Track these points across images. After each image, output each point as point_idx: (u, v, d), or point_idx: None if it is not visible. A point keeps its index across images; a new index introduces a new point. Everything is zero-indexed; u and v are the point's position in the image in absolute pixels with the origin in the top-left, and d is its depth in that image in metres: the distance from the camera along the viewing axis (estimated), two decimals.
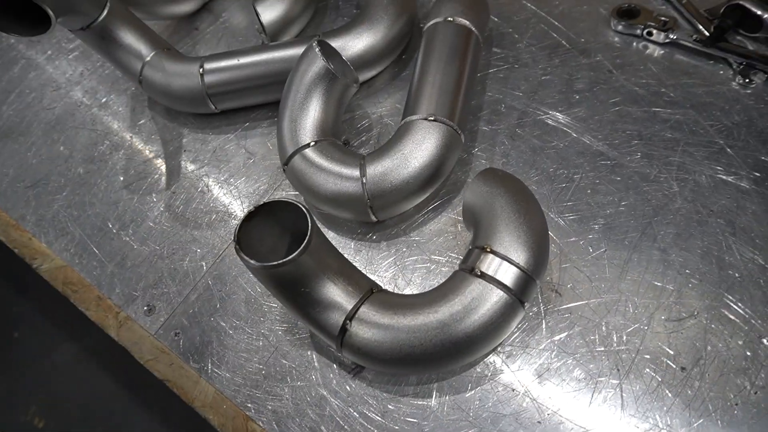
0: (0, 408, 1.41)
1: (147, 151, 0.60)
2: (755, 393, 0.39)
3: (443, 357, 0.40)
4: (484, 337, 0.39)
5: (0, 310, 1.57)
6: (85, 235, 0.56)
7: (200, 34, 0.68)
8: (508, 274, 0.39)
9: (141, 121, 0.63)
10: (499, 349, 0.43)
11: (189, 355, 0.47)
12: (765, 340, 0.40)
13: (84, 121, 0.64)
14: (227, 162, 0.58)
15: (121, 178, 0.59)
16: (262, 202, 0.39)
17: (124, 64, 0.59)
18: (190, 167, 0.58)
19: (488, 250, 0.40)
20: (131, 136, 0.62)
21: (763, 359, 0.40)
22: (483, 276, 0.39)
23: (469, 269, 0.40)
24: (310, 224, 0.37)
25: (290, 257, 0.36)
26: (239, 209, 0.54)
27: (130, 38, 0.58)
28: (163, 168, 0.59)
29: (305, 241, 0.37)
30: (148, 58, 0.58)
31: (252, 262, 0.36)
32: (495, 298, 0.39)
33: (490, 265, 0.40)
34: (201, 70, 0.56)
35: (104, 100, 0.65)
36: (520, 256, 0.39)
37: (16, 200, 0.60)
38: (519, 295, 0.39)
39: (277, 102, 0.52)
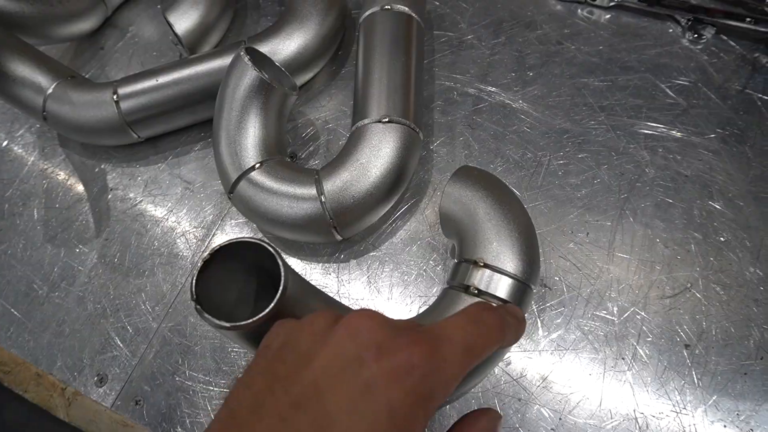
0: None
1: (67, 196, 0.53)
2: (761, 358, 0.38)
3: None
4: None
5: None
6: (8, 304, 0.48)
7: (107, 53, 0.60)
8: (503, 287, 0.36)
9: (53, 163, 0.55)
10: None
11: (156, 425, 0.42)
12: (761, 303, 0.39)
13: None
14: (163, 195, 0.51)
15: (42, 232, 0.51)
16: (216, 246, 0.33)
17: (22, 100, 0.51)
18: (121, 207, 0.51)
19: (481, 264, 0.36)
20: (45, 182, 0.54)
21: (762, 322, 0.39)
22: (479, 293, 0.36)
23: (462, 287, 0.37)
24: (282, 271, 0.32)
25: (264, 312, 0.31)
26: (185, 247, 0.48)
27: (24, 70, 0.50)
28: (89, 213, 0.52)
29: (280, 290, 0.31)
30: (50, 90, 0.50)
31: (221, 323, 0.31)
32: None
33: (482, 279, 0.36)
34: (115, 96, 0.49)
35: (5, 144, 0.57)
36: (512, 264, 0.36)
37: None
38: (518, 305, 0.36)
39: (207, 121, 0.47)
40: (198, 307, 0.31)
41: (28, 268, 0.50)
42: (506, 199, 0.38)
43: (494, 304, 0.35)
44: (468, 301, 0.36)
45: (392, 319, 0.27)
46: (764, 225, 0.42)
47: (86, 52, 0.61)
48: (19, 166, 0.55)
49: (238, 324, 0.30)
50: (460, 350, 0.26)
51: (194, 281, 0.32)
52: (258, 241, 0.32)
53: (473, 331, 0.27)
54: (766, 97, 0.47)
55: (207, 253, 0.33)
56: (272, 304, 0.30)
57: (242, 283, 0.36)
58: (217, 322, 0.30)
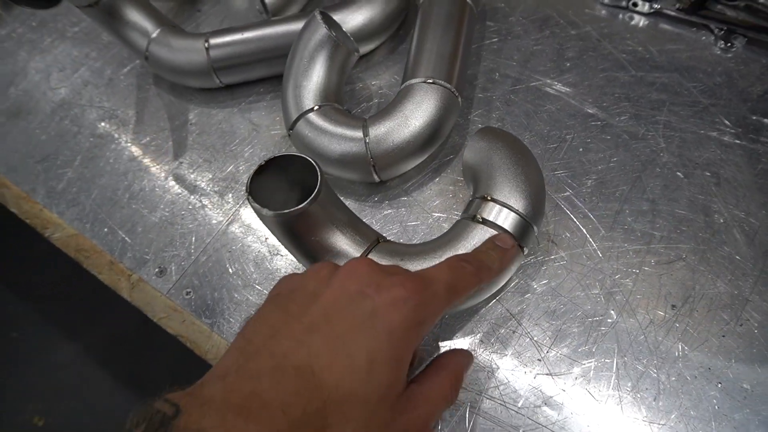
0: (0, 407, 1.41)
1: (154, 126, 0.62)
2: (740, 325, 0.41)
3: None
4: None
5: (0, 311, 1.57)
6: (95, 205, 0.58)
7: (203, 15, 0.70)
8: (508, 220, 0.41)
9: (147, 98, 0.65)
10: (499, 295, 0.45)
11: (201, 312, 0.49)
12: (748, 278, 0.43)
13: (91, 99, 0.66)
14: (233, 134, 0.60)
15: (129, 151, 0.61)
16: (271, 156, 0.41)
17: (130, 40, 0.61)
18: (197, 139, 0.60)
19: (489, 198, 0.42)
20: (137, 112, 0.64)
21: (748, 295, 0.42)
22: (485, 222, 0.42)
23: (470, 217, 0.43)
24: (319, 175, 0.39)
25: (301, 206, 0.38)
26: (246, 176, 0.56)
27: (136, 15, 0.60)
28: (170, 141, 0.61)
29: (315, 191, 0.38)
30: (154, 35, 0.60)
31: (264, 210, 0.38)
32: None
33: (491, 212, 0.42)
34: (206, 44, 0.58)
35: (110, 78, 0.67)
36: (519, 203, 0.42)
37: (27, 175, 0.61)
38: (518, 239, 0.42)
39: (280, 76, 0.54)
40: (249, 197, 0.38)
41: (115, 178, 0.59)
42: (520, 151, 0.44)
43: (495, 232, 0.40)
44: (473, 228, 0.41)
45: (384, 265, 0.33)
46: (761, 213, 0.45)
47: (185, 12, 0.71)
48: (120, 97, 0.65)
49: (278, 212, 0.37)
50: (444, 288, 0.32)
51: (250, 179, 0.39)
52: (303, 156, 0.40)
53: (453, 275, 0.34)
54: None
55: (263, 160, 0.40)
56: (306, 202, 0.37)
57: (287, 193, 0.43)
58: (262, 209, 0.38)
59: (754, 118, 0.50)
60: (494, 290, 0.43)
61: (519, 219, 0.41)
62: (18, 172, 0.62)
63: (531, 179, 0.43)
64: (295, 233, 0.42)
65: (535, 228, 0.43)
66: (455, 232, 0.42)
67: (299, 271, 0.49)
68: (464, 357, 0.37)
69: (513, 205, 0.42)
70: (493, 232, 0.41)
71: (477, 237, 0.41)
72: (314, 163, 0.40)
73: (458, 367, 0.35)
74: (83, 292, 1.50)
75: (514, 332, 0.44)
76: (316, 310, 0.29)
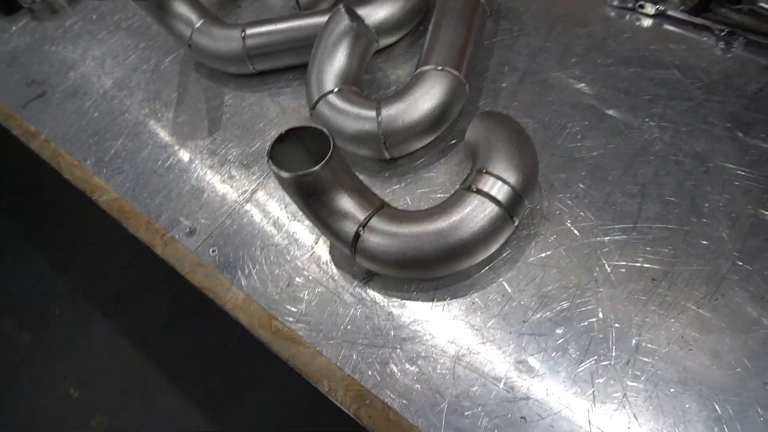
0: (39, 379, 1.51)
1: (192, 107, 0.69)
2: (716, 300, 0.44)
3: (441, 261, 0.46)
4: (476, 244, 0.45)
5: (43, 289, 1.68)
6: (137, 173, 0.64)
7: (242, 10, 0.77)
8: (501, 192, 0.46)
9: (187, 82, 0.71)
10: (493, 263, 0.49)
11: (223, 267, 0.55)
12: (727, 258, 0.46)
13: (139, 82, 0.73)
14: (262, 115, 0.66)
15: (171, 127, 0.67)
16: (291, 127, 0.47)
17: (176, 30, 0.68)
18: (230, 119, 0.66)
19: (484, 171, 0.47)
20: (179, 95, 0.70)
21: (725, 273, 0.45)
22: (479, 192, 0.46)
23: (467, 188, 0.47)
24: (332, 143, 0.44)
25: (314, 168, 0.43)
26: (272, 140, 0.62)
27: (182, 7, 0.67)
28: (206, 120, 0.67)
29: (328, 156, 0.44)
30: (198, 25, 0.67)
31: (281, 172, 0.44)
32: (488, 210, 0.45)
33: (486, 183, 0.46)
34: (243, 34, 0.65)
35: (156, 65, 0.75)
36: (512, 177, 0.46)
37: (80, 146, 0.69)
38: (510, 210, 0.46)
39: (306, 65, 0.60)
40: (269, 160, 0.44)
41: (156, 151, 0.66)
42: (516, 132, 0.48)
43: (490, 204, 0.45)
44: (468, 197, 0.45)
45: None
46: (746, 200, 0.48)
47: (228, 7, 0.78)
48: (164, 81, 0.72)
49: (294, 174, 0.43)
50: None
51: (271, 146, 0.45)
52: (318, 127, 0.45)
53: None
54: None
55: (284, 129, 0.46)
56: (318, 166, 0.43)
57: (303, 160, 0.49)
58: (280, 171, 0.43)
59: (747, 113, 0.53)
60: (486, 254, 0.47)
61: (511, 191, 0.45)
62: (72, 143, 0.69)
63: (524, 157, 0.47)
64: (308, 194, 0.47)
65: (527, 201, 0.46)
66: (451, 201, 0.47)
67: (313, 234, 0.54)
68: None
69: (507, 179, 0.46)
70: (485, 201, 0.45)
71: (470, 205, 0.45)
72: (326, 133, 0.45)
73: None
74: (121, 271, 1.60)
75: (503, 296, 0.47)
76: None
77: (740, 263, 0.45)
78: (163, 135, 0.67)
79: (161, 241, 0.59)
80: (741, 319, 0.43)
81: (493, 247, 0.47)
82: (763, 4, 0.56)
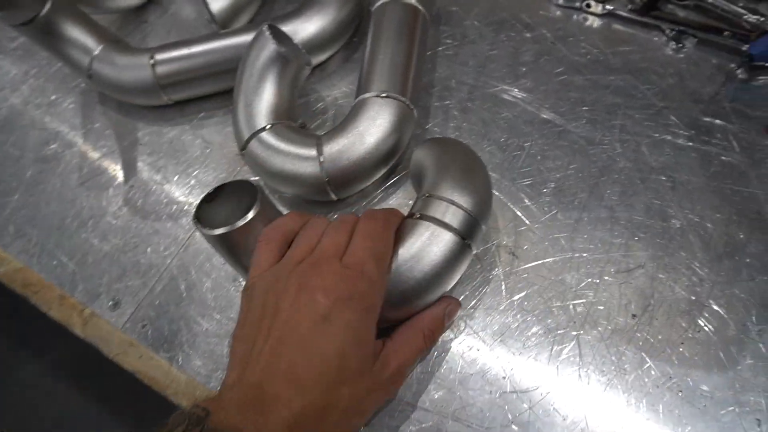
0: None
1: (101, 147, 0.59)
2: (698, 332, 0.42)
3: (398, 303, 0.40)
4: (436, 278, 0.40)
5: None
6: (42, 235, 0.55)
7: (150, 26, 0.67)
8: (455, 217, 0.40)
9: (93, 118, 0.62)
10: (461, 313, 0.45)
11: (158, 346, 0.47)
12: (705, 283, 0.43)
13: (33, 120, 0.63)
14: (184, 152, 0.57)
15: (76, 176, 0.58)
16: (219, 185, 0.41)
17: (71, 59, 0.58)
18: (147, 160, 0.58)
19: (426, 195, 0.42)
20: (84, 133, 0.61)
21: (704, 299, 0.43)
22: (431, 219, 0.40)
23: (410, 215, 0.42)
24: (258, 194, 0.39)
25: (236, 224, 0.39)
26: (199, 198, 0.54)
27: (76, 32, 0.57)
28: (119, 162, 0.58)
29: (252, 210, 0.39)
30: (97, 52, 0.57)
31: (205, 230, 0.38)
32: (444, 237, 0.40)
33: (437, 209, 0.41)
34: (152, 61, 0.56)
35: (53, 98, 0.64)
36: (464, 200, 0.41)
37: None
38: (466, 236, 0.40)
39: (230, 91, 0.52)
40: (195, 220, 0.39)
41: (62, 206, 0.56)
42: (465, 153, 0.45)
43: (444, 232, 0.40)
44: (419, 225, 0.40)
45: (326, 263, 0.36)
46: (716, 216, 0.46)
47: (131, 24, 0.68)
48: (64, 118, 0.62)
49: (217, 231, 0.38)
50: (373, 262, 0.36)
51: (197, 206, 0.39)
52: (245, 179, 0.41)
53: (371, 243, 0.37)
54: (733, 105, 0.51)
55: (212, 188, 0.40)
56: (241, 219, 0.38)
57: (241, 216, 0.42)
58: (204, 229, 0.38)
59: (706, 119, 0.50)
60: (446, 288, 0.41)
61: (465, 215, 0.40)
62: None
63: (476, 178, 0.43)
64: (236, 251, 0.41)
65: (483, 225, 0.42)
66: (400, 233, 0.41)
67: None
68: (442, 308, 0.41)
69: (459, 202, 0.41)
70: (439, 229, 0.40)
71: (423, 235, 0.40)
72: (252, 185, 0.40)
73: (429, 321, 0.40)
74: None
75: (478, 350, 0.43)
76: (279, 324, 0.34)
77: (718, 288, 0.43)
78: (70, 185, 0.57)
79: (80, 318, 0.50)
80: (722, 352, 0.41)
81: (453, 281, 0.41)
82: None
